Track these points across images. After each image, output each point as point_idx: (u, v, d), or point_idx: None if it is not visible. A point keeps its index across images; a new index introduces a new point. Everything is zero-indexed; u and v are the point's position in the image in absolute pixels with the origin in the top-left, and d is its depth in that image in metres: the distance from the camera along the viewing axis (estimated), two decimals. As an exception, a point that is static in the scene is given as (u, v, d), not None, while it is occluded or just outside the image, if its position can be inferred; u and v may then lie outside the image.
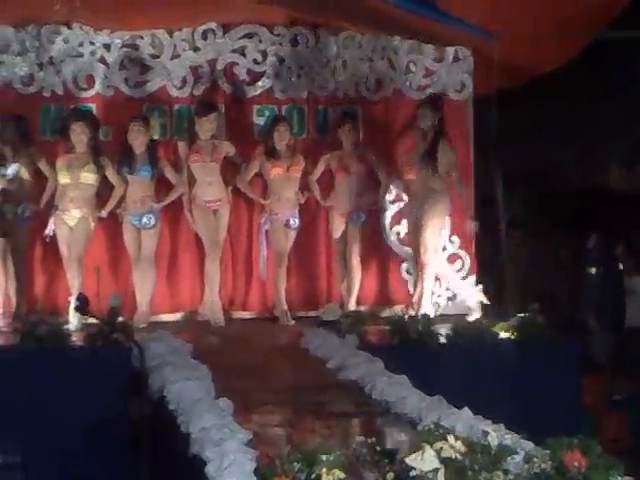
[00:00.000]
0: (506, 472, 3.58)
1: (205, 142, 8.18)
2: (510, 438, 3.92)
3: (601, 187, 9.37)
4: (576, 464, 3.58)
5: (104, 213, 8.02)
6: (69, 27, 8.43)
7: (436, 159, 8.04)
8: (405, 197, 8.75)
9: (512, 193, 9.12)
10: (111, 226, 8.23)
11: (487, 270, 8.89)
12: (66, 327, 6.85)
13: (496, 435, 3.76)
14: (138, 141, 8.02)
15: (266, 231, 8.38)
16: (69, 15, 8.29)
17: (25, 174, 7.99)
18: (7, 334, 6.80)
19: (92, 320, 6.29)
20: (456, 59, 9.02)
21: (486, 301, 8.30)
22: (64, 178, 7.94)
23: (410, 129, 8.69)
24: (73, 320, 7.38)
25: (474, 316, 8.00)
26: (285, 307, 8.26)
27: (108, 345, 6.40)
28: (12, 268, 7.98)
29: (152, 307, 8.16)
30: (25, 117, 8.16)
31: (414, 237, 8.41)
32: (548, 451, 3.69)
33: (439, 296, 8.75)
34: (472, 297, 8.35)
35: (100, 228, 8.19)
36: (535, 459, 3.66)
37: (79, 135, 7.93)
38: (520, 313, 7.20)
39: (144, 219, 8.00)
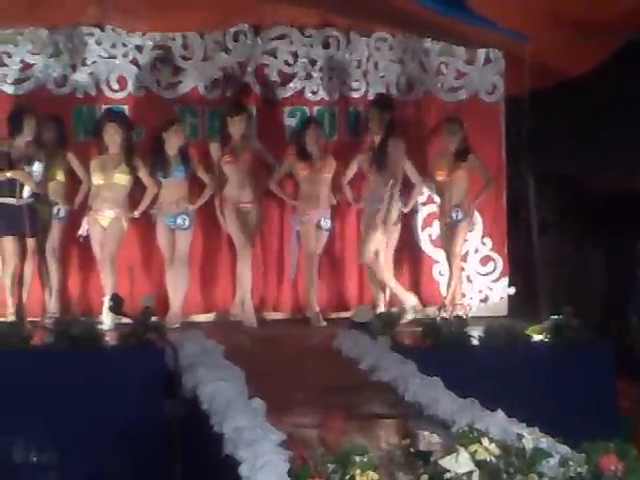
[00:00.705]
0: (541, 475, 3.56)
1: (237, 143, 8.21)
2: (545, 441, 3.89)
3: (635, 189, 9.28)
4: (612, 468, 3.57)
5: (137, 214, 8.08)
6: (102, 29, 8.49)
7: (385, 160, 7.99)
8: (437, 198, 8.74)
9: (544, 194, 9.09)
10: (144, 227, 8.28)
11: (520, 272, 8.86)
12: (100, 327, 6.90)
13: (531, 438, 3.74)
14: (175, 143, 8.07)
15: (297, 232, 8.41)
16: (102, 17, 8.36)
17: (60, 175, 8.07)
18: (41, 333, 6.83)
19: (125, 320, 6.34)
20: (487, 61, 9.01)
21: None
22: (97, 179, 8.00)
23: (441, 130, 8.69)
24: (107, 320, 7.44)
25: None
26: (317, 308, 8.27)
27: (141, 345, 6.43)
28: (45, 268, 8.06)
29: (184, 307, 8.21)
30: (61, 118, 8.23)
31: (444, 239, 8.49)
32: (584, 455, 3.67)
33: (471, 298, 8.77)
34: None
35: (133, 229, 8.25)
36: (571, 463, 3.64)
37: (112, 136, 7.98)
38: (553, 315, 7.17)
39: (179, 220, 8.04)
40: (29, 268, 7.79)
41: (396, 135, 8.19)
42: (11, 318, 7.48)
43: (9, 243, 7.75)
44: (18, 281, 7.75)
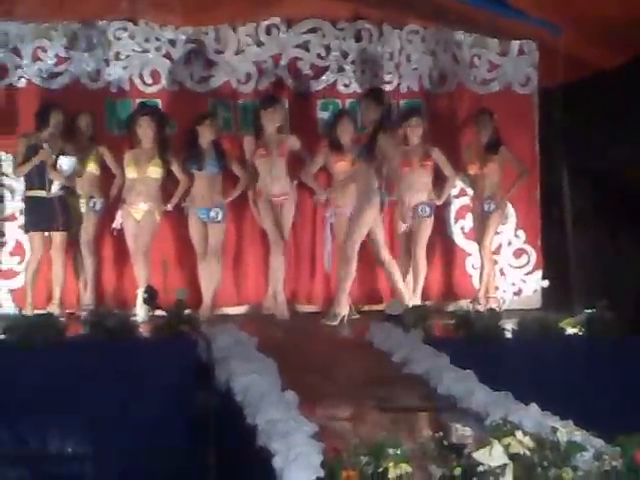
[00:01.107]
0: (575, 469, 3.55)
1: (271, 136, 8.20)
2: (579, 435, 3.87)
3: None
4: (647, 462, 3.54)
5: (170, 207, 8.12)
6: (135, 23, 8.53)
7: (373, 153, 7.91)
8: (470, 191, 8.71)
9: (578, 187, 9.04)
10: (177, 220, 8.32)
11: (553, 265, 8.81)
12: (134, 319, 6.94)
13: (565, 431, 3.72)
14: (208, 137, 8.09)
15: (331, 225, 8.40)
16: (134, 11, 8.40)
17: (94, 168, 8.12)
18: (76, 325, 6.89)
19: (159, 312, 6.37)
20: (521, 53, 8.97)
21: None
22: (131, 172, 8.05)
23: (472, 123, 8.65)
24: (140, 312, 7.49)
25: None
26: (349, 301, 8.27)
27: (174, 337, 6.47)
28: (80, 260, 8.13)
29: (217, 300, 8.24)
30: (92, 112, 8.28)
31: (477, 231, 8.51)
32: (618, 448, 3.65)
33: (504, 291, 8.74)
34: None
35: (167, 222, 8.29)
36: (605, 456, 3.62)
37: (145, 130, 8.03)
38: (587, 308, 7.13)
39: (212, 213, 8.06)
40: (61, 261, 7.86)
41: (387, 130, 8.07)
42: (29, 311, 7.56)
43: (38, 237, 7.83)
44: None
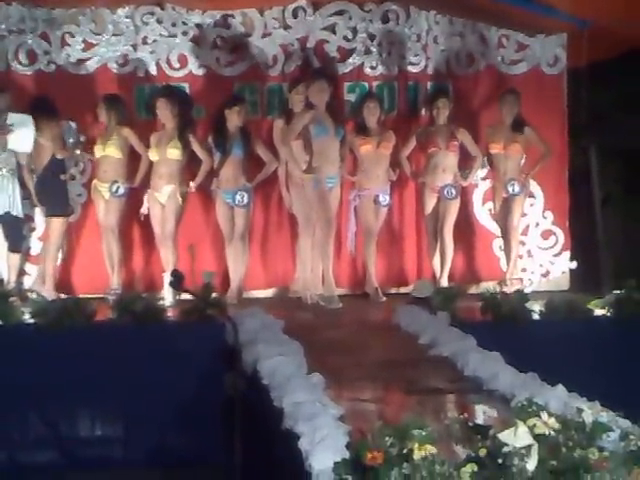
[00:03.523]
0: (601, 449, 3.52)
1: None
2: (605, 415, 3.85)
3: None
4: (674, 442, 3.52)
5: (193, 186, 8.10)
6: (162, 8, 8.54)
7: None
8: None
9: (607, 167, 8.97)
10: (205, 204, 8.35)
11: (581, 246, 8.76)
12: (161, 303, 6.97)
13: (591, 412, 3.71)
14: (236, 121, 8.07)
15: (355, 207, 8.39)
16: (162, -4, 8.42)
17: (116, 152, 8.13)
18: (104, 309, 6.93)
19: (186, 296, 6.40)
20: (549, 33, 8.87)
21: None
22: (154, 155, 8.07)
23: (497, 103, 8.56)
24: (167, 296, 7.52)
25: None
26: (376, 284, 8.28)
27: (202, 321, 6.50)
28: (106, 245, 8.18)
29: (244, 283, 8.26)
30: (118, 96, 8.30)
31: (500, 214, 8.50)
32: (645, 428, 3.64)
33: (532, 273, 8.70)
34: None
35: (194, 205, 8.32)
36: (631, 437, 3.60)
37: (164, 111, 8.04)
38: (616, 289, 7.08)
39: (237, 197, 8.06)
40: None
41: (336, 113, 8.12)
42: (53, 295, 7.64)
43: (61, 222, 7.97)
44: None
